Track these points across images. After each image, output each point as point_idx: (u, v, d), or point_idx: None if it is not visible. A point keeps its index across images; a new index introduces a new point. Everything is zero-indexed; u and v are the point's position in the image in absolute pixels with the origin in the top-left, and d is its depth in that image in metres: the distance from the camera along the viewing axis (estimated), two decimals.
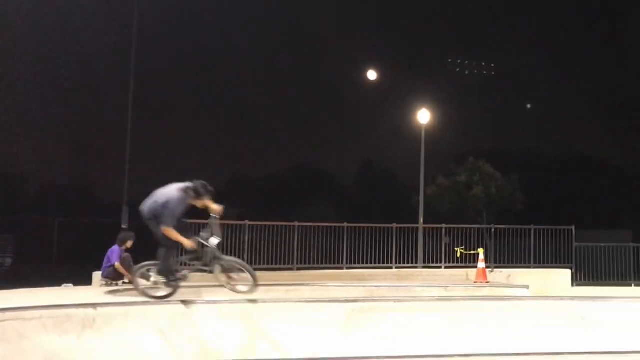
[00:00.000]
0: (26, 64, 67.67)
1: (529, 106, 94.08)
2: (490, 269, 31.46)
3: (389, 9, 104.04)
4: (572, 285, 32.77)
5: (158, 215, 16.12)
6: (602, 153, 78.78)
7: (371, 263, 32.96)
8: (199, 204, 16.31)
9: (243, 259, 29.11)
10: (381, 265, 32.99)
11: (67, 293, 20.19)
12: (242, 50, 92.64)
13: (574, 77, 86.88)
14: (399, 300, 15.94)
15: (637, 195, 68.05)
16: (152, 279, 16.00)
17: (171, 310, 13.38)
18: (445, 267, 33.74)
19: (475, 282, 28.45)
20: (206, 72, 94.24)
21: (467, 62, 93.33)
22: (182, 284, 15.80)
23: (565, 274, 33.40)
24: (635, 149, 67.55)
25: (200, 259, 15.96)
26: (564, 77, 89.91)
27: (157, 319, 12.77)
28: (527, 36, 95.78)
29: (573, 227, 35.30)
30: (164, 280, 15.73)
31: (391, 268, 32.77)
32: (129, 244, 23.23)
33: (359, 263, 32.49)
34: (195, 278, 25.38)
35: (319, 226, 33.79)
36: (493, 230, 36.69)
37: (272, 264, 30.91)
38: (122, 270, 22.40)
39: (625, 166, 72.91)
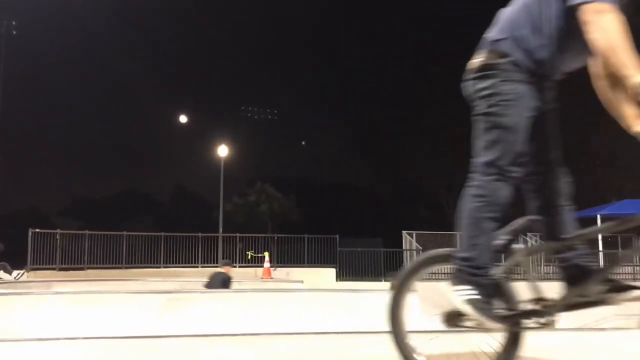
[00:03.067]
0: None
1: (303, 143, 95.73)
2: (273, 268, 31.76)
3: (197, 68, 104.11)
4: (337, 280, 33.20)
5: None
6: (360, 179, 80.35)
7: (182, 263, 32.98)
8: None
9: (83, 261, 28.85)
10: (190, 264, 33.01)
11: None
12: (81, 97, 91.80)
13: (339, 119, 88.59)
14: (204, 292, 16.19)
15: (385, 210, 69.45)
16: None
17: (27, 299, 13.23)
18: (239, 267, 33.86)
19: (262, 278, 28.76)
20: (55, 116, 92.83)
21: (256, 108, 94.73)
22: None
23: (331, 272, 33.93)
24: (382, 174, 68.83)
25: None
26: (330, 120, 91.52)
27: (14, 305, 12.62)
28: (304, 87, 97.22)
29: (337, 236, 35.72)
30: None
31: (197, 267, 32.76)
32: None
33: (173, 263, 32.44)
34: (44, 274, 25.14)
35: (142, 235, 33.59)
36: (276, 238, 37.06)
37: (106, 263, 30.64)
38: None
39: (377, 189, 74.25)
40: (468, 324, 4.18)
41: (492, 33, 4.03)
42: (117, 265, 31.19)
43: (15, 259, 25.97)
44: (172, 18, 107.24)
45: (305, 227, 44.60)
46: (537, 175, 4.15)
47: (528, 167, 4.05)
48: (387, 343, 4.36)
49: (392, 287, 4.54)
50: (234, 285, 19.97)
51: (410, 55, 73.27)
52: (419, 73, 67.27)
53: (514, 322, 4.03)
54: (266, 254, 31.66)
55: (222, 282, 19.02)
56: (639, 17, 3.91)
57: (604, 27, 3.56)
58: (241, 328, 8.18)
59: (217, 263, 34.32)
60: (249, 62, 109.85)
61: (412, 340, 4.35)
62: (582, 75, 4.17)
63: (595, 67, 4.07)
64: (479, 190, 4.05)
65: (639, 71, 3.43)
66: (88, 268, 29.29)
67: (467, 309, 3.98)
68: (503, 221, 4.02)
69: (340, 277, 34.09)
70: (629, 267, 36.14)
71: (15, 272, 23.87)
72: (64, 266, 28.90)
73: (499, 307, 3.99)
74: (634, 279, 33.99)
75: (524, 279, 4.10)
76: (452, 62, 58.99)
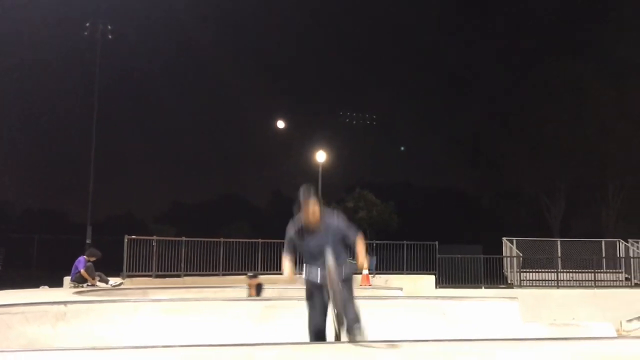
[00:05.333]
0: None
1: (402, 148, 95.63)
2: (372, 275, 31.69)
3: (295, 73, 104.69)
4: (436, 287, 33.09)
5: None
6: (459, 184, 79.99)
7: (280, 270, 33.04)
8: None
9: (180, 268, 29.13)
10: None
11: (44, 293, 20.09)
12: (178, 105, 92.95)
13: (439, 124, 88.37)
14: (302, 299, 16.16)
15: (484, 218, 68.94)
16: None
17: (124, 306, 13.38)
18: None
19: (361, 286, 28.68)
20: (152, 121, 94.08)
21: (354, 113, 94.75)
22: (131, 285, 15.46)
23: (431, 279, 33.79)
24: (483, 180, 68.23)
25: None
26: (431, 124, 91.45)
27: (112, 313, 12.79)
28: (404, 91, 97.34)
29: (437, 242, 35.53)
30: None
31: (296, 274, 32.80)
32: (93, 258, 23.53)
33: (270, 270, 32.54)
34: (140, 282, 25.40)
35: (239, 241, 33.68)
36: (374, 244, 36.98)
37: (203, 270, 30.89)
38: (86, 276, 22.94)
39: (477, 194, 73.69)
40: None
41: None
42: (214, 272, 31.33)
43: (110, 266, 26.33)
44: (271, 24, 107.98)
45: (405, 234, 44.54)
46: None
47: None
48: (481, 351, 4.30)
49: None
50: None
51: (513, 59, 72.52)
52: (521, 77, 66.51)
53: None
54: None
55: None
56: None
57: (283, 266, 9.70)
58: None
59: None
60: (348, 67, 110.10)
61: None
62: None
63: None
64: None
65: (286, 273, 9.66)
66: (184, 275, 29.49)
67: None
68: None
69: (439, 283, 33.93)
70: (622, 275, 35.73)
71: (112, 280, 24.16)
72: (160, 273, 29.12)
73: None
74: (631, 285, 33.68)
75: None
76: (554, 66, 58.37)
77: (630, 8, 60.51)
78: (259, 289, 20.60)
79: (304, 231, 9.49)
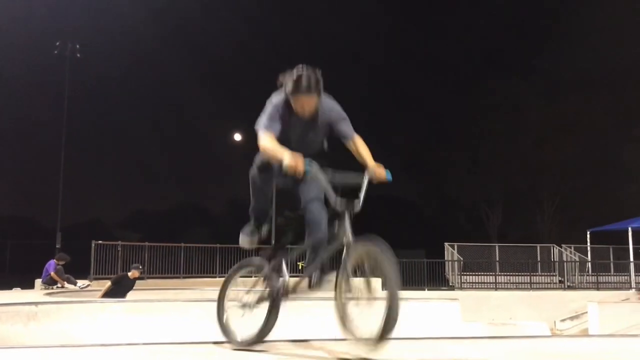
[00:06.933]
0: None
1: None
2: None
3: (250, 87, 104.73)
4: (382, 290, 33.15)
5: None
6: (404, 193, 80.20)
7: None
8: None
9: (143, 271, 29.01)
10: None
11: (17, 295, 20.07)
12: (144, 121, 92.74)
13: (384, 135, 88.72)
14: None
15: (428, 224, 69.49)
16: None
17: (91, 307, 13.31)
18: (291, 276, 33.92)
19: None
20: (117, 132, 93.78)
21: None
22: None
23: (377, 281, 33.84)
24: (426, 188, 68.94)
25: None
26: (377, 136, 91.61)
27: (79, 313, 12.72)
28: (348, 102, 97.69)
29: None
30: None
31: (252, 276, 32.83)
32: (63, 262, 23.57)
33: (227, 273, 32.56)
34: (106, 284, 25.27)
35: (198, 246, 33.70)
36: None
37: (165, 273, 30.83)
38: (56, 278, 22.98)
39: (420, 202, 74.36)
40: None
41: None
42: (175, 275, 31.38)
43: (78, 269, 26.25)
44: (229, 39, 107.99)
45: None
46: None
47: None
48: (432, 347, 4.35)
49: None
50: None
51: (455, 76, 73.21)
52: (462, 93, 67.33)
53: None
54: None
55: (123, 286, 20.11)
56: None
57: (260, 143, 6.01)
58: (292, 334, 8.19)
59: None
60: None
61: None
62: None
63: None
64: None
65: (282, 155, 5.68)
66: (148, 278, 29.40)
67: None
68: None
69: (385, 286, 33.91)
70: (624, 277, 36.11)
71: (80, 282, 24.12)
72: None
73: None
74: (564, 288, 34.11)
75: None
76: (496, 79, 59.15)
77: (560, 32, 62.06)
78: None
79: (290, 116, 6.10)
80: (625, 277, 36.02)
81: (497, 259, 37.81)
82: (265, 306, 6.45)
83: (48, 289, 22.42)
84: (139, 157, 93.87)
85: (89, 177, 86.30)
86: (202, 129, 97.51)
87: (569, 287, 35.12)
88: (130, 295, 19.82)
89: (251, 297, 6.74)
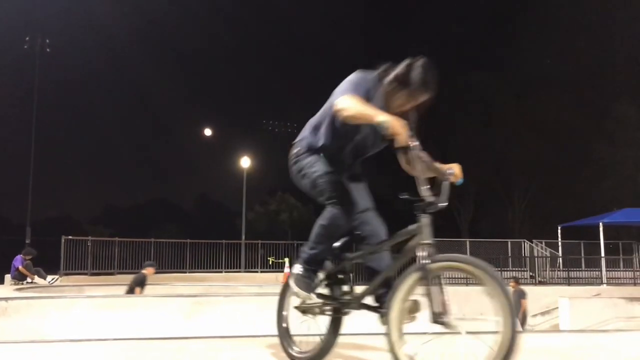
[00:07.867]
0: None
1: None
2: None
3: (222, 83, 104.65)
4: (353, 285, 33.25)
5: None
6: (374, 188, 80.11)
7: (207, 268, 33.05)
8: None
9: (113, 266, 28.97)
10: (214, 270, 33.06)
11: None
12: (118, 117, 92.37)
13: None
14: (227, 296, 16.20)
15: (398, 220, 69.43)
16: None
17: (61, 302, 13.29)
18: (261, 272, 33.96)
19: (282, 283, 28.72)
20: (86, 128, 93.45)
21: (277, 122, 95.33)
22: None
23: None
24: (398, 184, 68.93)
25: None
26: None
27: (49, 309, 12.69)
28: (318, 101, 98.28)
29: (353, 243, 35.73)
30: None
31: (221, 272, 32.85)
32: (30, 256, 23.62)
33: (198, 268, 32.52)
34: (76, 279, 25.26)
35: (168, 242, 33.66)
36: (295, 244, 37.08)
37: (135, 269, 30.75)
38: (25, 272, 23.01)
39: (392, 198, 74.36)
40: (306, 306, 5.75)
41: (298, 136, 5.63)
42: None
43: (49, 265, 26.15)
44: (198, 36, 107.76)
45: None
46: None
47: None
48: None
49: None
50: (257, 289, 20.02)
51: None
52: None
53: (332, 305, 5.50)
54: (286, 260, 31.61)
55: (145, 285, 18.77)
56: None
57: (343, 106, 4.75)
58: (260, 328, 8.23)
59: (239, 268, 34.49)
60: (270, 79, 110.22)
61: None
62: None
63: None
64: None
65: (379, 114, 4.56)
66: (118, 273, 29.33)
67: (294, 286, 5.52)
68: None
69: (355, 282, 33.99)
70: (629, 272, 36.15)
71: (49, 277, 24.08)
72: (95, 271, 29.07)
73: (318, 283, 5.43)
74: (634, 284, 33.96)
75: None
76: (466, 74, 59.30)
77: (531, 28, 62.27)
78: None
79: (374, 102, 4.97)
80: (597, 272, 36.14)
81: (468, 254, 37.89)
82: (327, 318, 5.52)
83: (18, 284, 22.34)
84: (110, 153, 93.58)
85: (59, 173, 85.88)
86: (172, 125, 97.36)
87: (540, 283, 35.24)
88: (102, 290, 19.79)
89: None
